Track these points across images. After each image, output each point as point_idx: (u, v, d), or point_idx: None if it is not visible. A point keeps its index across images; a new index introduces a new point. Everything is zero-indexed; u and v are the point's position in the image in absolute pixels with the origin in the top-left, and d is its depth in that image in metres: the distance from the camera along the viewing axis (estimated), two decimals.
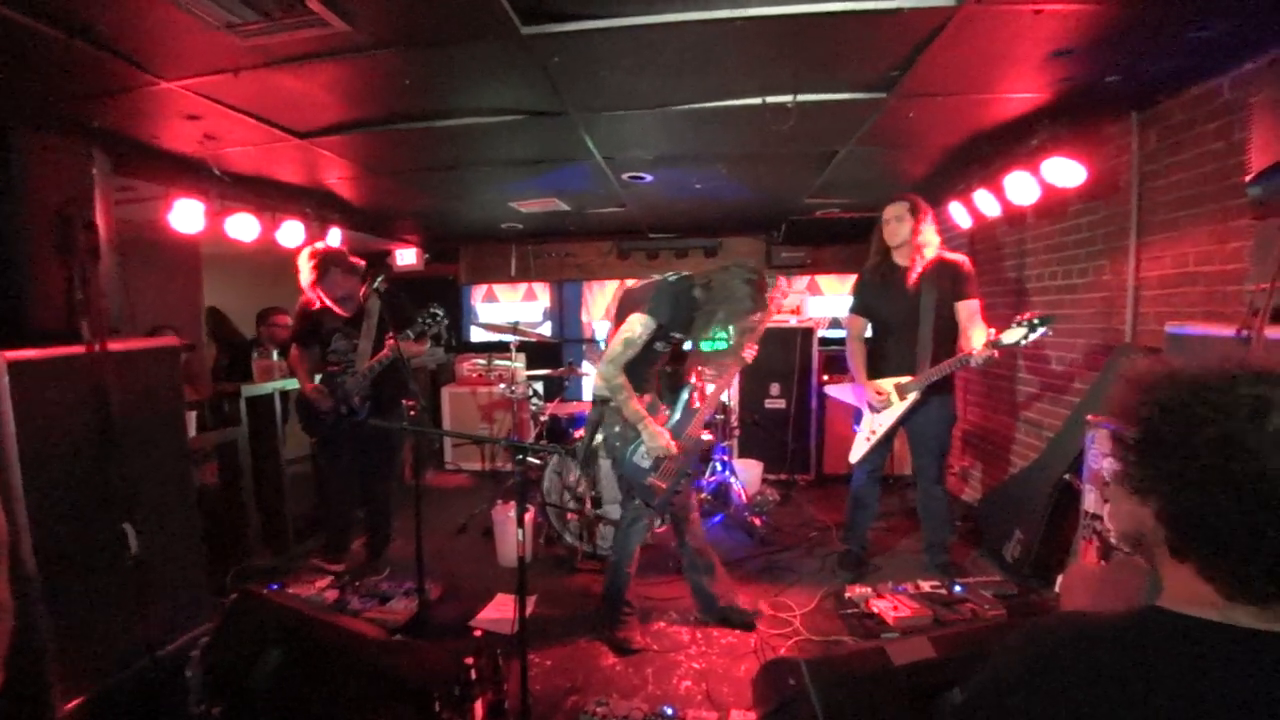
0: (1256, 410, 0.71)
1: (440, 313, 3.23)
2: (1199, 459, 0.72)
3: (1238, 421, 0.71)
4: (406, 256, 6.32)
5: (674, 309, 2.55)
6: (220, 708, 2.08)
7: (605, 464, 3.67)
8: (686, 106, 2.68)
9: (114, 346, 2.19)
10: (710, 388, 2.99)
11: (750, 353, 2.80)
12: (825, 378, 5.13)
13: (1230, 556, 0.71)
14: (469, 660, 2.02)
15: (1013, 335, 2.79)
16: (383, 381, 3.34)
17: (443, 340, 3.26)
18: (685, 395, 2.81)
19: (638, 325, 2.51)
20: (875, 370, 3.26)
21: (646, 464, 2.62)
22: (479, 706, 2.00)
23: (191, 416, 3.29)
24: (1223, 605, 0.73)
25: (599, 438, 2.75)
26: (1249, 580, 0.71)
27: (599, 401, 2.71)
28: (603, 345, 2.70)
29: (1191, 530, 0.74)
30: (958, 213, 3.91)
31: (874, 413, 3.25)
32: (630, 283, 2.77)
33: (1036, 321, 2.75)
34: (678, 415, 2.77)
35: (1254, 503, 0.69)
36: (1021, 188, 3.11)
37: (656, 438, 2.57)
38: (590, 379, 5.82)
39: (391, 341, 3.14)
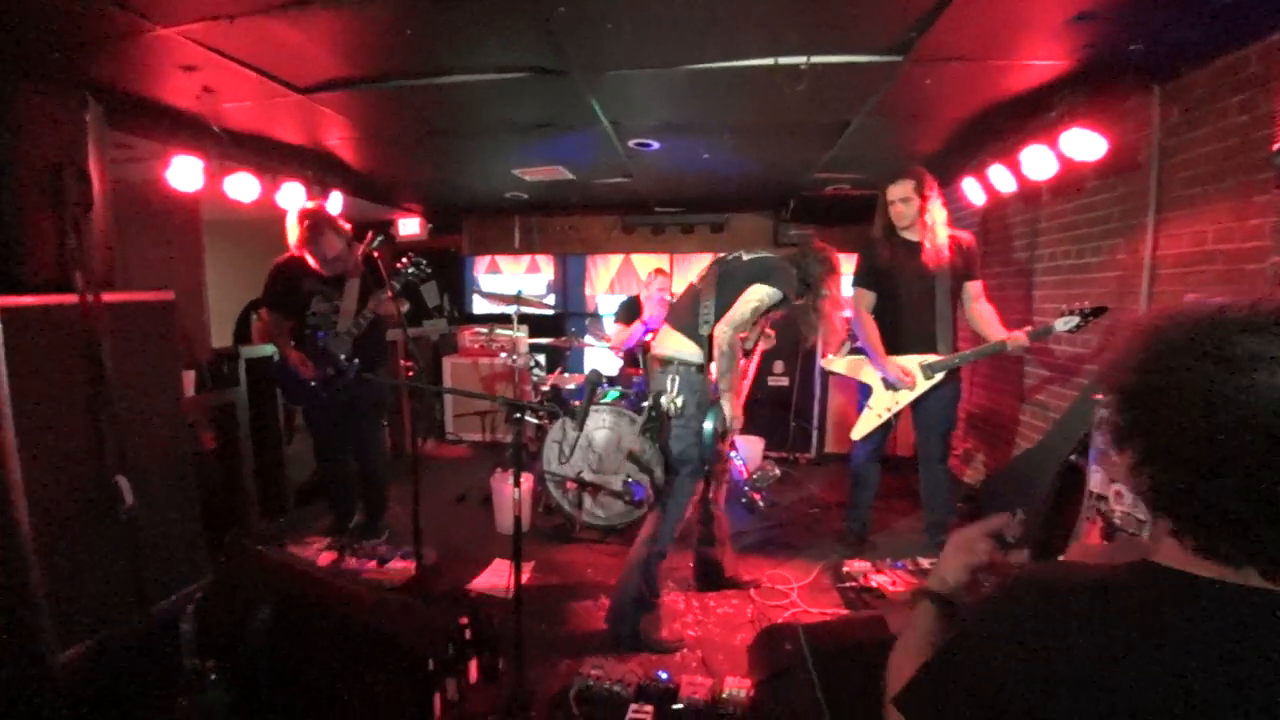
0: (1219, 364, 0.68)
1: (424, 260, 3.20)
2: (1165, 410, 0.71)
3: (1202, 376, 0.68)
4: (410, 226, 6.25)
5: (789, 284, 2.59)
6: (214, 663, 2.08)
7: (602, 434, 3.65)
8: (695, 66, 2.60)
9: (108, 298, 2.16)
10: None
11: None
12: (830, 356, 5.06)
13: (1193, 515, 0.71)
14: (463, 620, 2.02)
15: (1067, 323, 2.80)
16: (364, 346, 3.30)
17: (425, 294, 3.28)
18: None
19: (765, 295, 2.50)
20: (888, 347, 3.17)
21: (722, 430, 2.58)
22: (473, 666, 1.99)
23: (190, 378, 3.27)
24: (1202, 563, 0.71)
25: (678, 402, 2.51)
26: (1210, 538, 0.70)
27: (665, 361, 2.59)
28: (607, 318, 2.66)
29: (1158, 485, 0.73)
30: (971, 189, 3.83)
31: (891, 391, 3.18)
32: (727, 256, 2.71)
33: (1089, 311, 2.76)
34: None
35: (1211, 462, 0.67)
36: (1039, 161, 3.02)
37: (736, 406, 2.58)
38: (593, 351, 5.83)
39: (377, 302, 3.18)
